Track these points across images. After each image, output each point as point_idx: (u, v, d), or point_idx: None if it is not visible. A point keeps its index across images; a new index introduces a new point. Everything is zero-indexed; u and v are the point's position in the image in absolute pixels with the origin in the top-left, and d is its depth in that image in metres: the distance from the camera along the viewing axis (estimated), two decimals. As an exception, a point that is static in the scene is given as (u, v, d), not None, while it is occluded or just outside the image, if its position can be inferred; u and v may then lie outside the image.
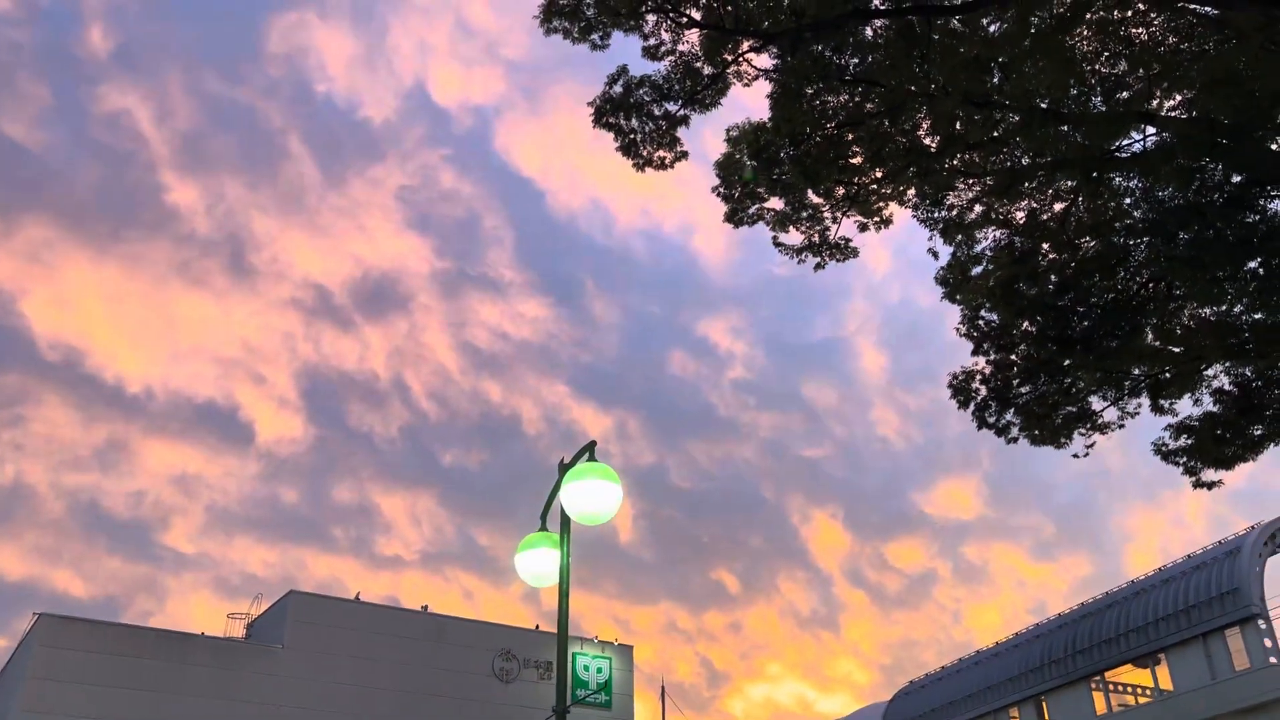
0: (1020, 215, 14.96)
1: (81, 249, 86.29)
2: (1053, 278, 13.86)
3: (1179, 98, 12.25)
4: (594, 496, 9.66)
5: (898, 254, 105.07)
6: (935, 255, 15.56)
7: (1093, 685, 37.83)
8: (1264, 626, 31.91)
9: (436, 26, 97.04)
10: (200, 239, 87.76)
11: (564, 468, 10.46)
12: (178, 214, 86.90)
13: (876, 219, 16.84)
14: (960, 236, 16.73)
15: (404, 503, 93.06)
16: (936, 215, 14.84)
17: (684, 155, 13.64)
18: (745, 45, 12.58)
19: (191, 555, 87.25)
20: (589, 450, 10.04)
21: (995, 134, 13.53)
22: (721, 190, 14.50)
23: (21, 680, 33.82)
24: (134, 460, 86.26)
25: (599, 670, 45.01)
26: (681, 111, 13.05)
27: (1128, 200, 13.53)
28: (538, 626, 45.18)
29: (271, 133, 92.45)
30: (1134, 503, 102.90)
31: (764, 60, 13.75)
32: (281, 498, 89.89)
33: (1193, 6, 12.11)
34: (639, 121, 13.04)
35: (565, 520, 10.39)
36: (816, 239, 16.55)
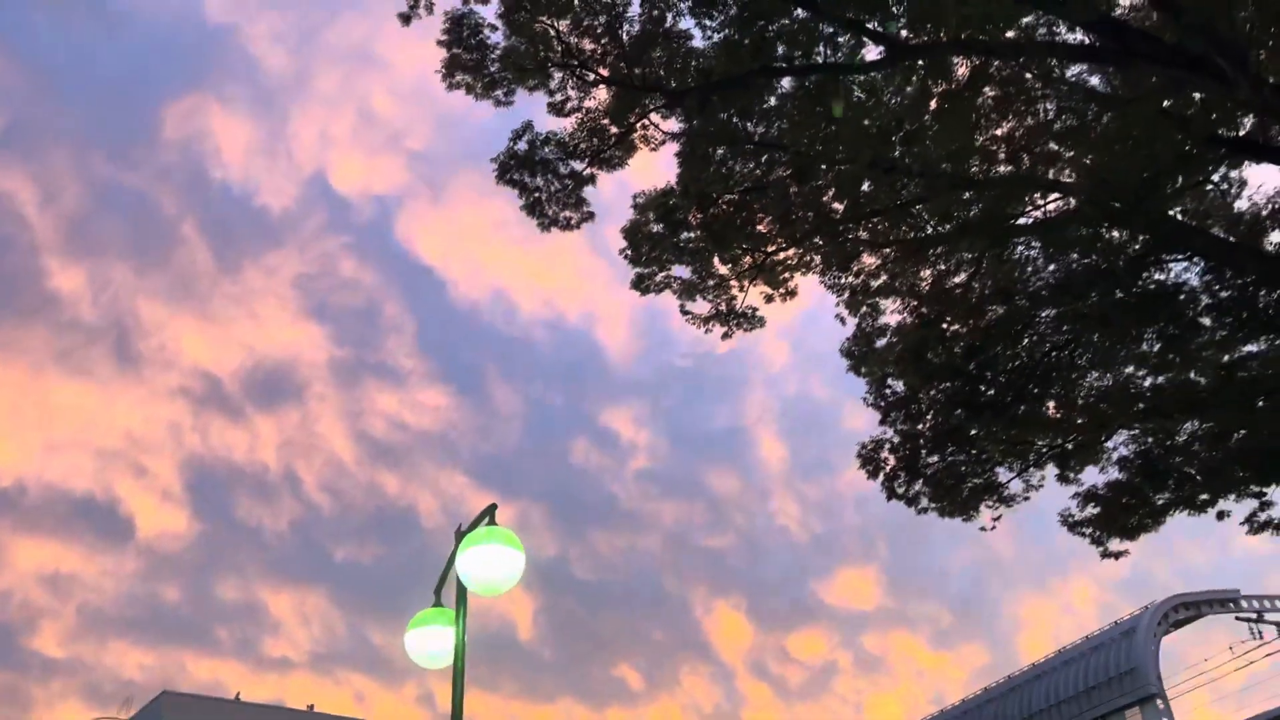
0: (925, 283, 15.00)
1: None
2: (959, 345, 13.84)
3: (1083, 162, 12.46)
4: (494, 564, 8.90)
5: (796, 347, 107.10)
6: (843, 321, 15.47)
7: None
8: (1162, 706, 32.18)
9: (339, 115, 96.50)
10: (84, 326, 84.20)
11: (461, 535, 9.71)
12: (59, 300, 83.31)
13: (782, 290, 16.74)
14: (865, 308, 16.74)
15: (293, 600, 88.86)
16: (843, 281, 14.75)
17: (590, 216, 13.30)
18: (652, 104, 12.39)
19: (61, 660, 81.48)
20: (489, 514, 9.32)
21: (899, 201, 13.58)
22: (628, 254, 14.18)
23: None
24: (1, 559, 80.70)
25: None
26: (588, 170, 12.75)
27: (1029, 268, 13.67)
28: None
29: (164, 218, 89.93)
30: (1025, 590, 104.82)
31: (671, 124, 13.63)
32: (161, 596, 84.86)
33: (1089, 80, 12.43)
34: (544, 180, 12.68)
35: (461, 593, 9.58)
36: (724, 308, 16.33)
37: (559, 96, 12.22)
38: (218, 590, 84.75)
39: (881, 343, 16.69)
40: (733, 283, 16.18)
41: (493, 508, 9.33)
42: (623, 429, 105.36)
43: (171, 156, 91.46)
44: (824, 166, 13.54)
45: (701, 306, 16.52)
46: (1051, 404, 15.50)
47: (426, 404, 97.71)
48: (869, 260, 15.58)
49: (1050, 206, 12.81)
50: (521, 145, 12.45)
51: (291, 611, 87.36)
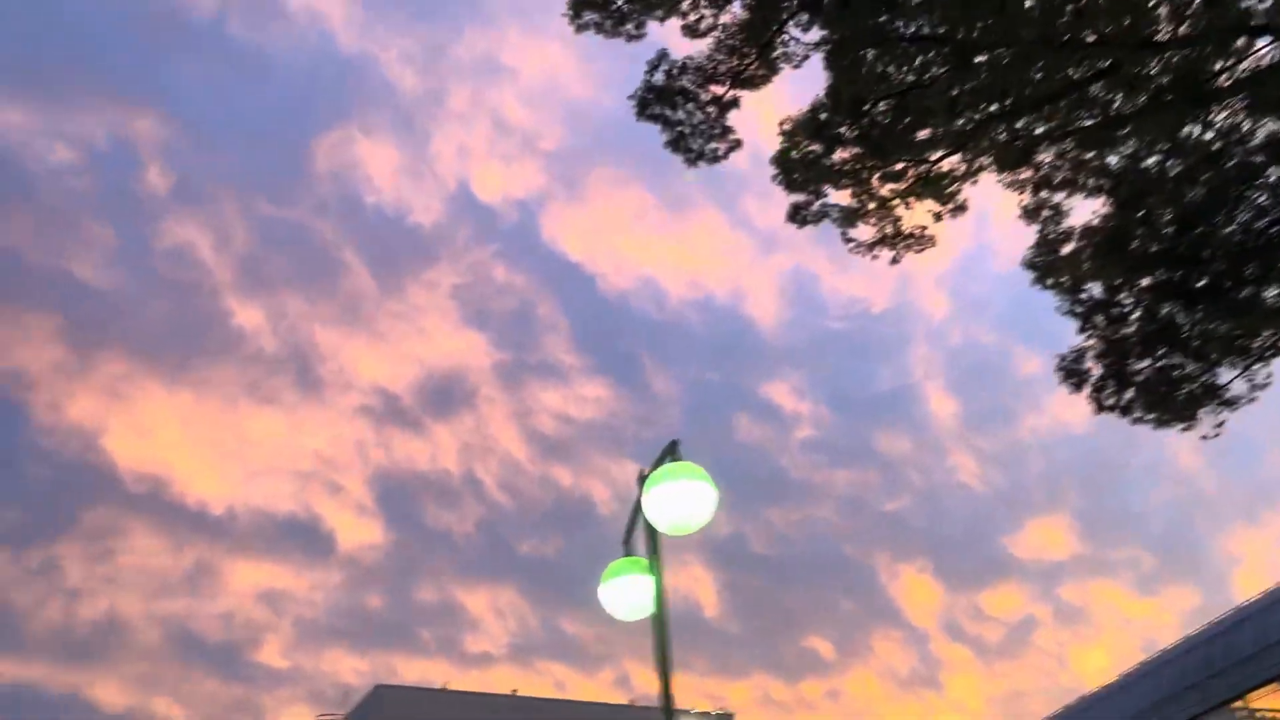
0: (1111, 173, 13.61)
1: (155, 379, 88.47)
2: (1164, 228, 12.44)
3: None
4: (683, 500, 8.36)
5: (955, 295, 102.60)
6: (1029, 216, 14.14)
7: (1236, 711, 34.78)
8: None
9: (474, 129, 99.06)
10: (267, 357, 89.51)
11: (644, 479, 9.24)
12: (243, 336, 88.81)
13: (950, 205, 15.62)
14: (1046, 211, 15.43)
15: (487, 597, 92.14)
16: (1021, 178, 13.53)
17: (737, 144, 12.60)
18: (789, 12, 11.57)
19: (284, 670, 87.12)
20: (671, 450, 8.79)
21: (1075, 80, 12.29)
22: (782, 180, 13.39)
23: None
24: (221, 582, 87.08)
25: (700, 746, 42.90)
26: (730, 94, 12.05)
27: (1234, 136, 12.14)
28: (632, 703, 43.34)
29: (326, 248, 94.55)
30: (1234, 525, 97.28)
31: (813, 35, 12.76)
32: (367, 605, 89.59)
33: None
34: (685, 111, 12.05)
35: (653, 536, 9.12)
36: (889, 230, 15.35)
37: (692, 17, 11.56)
38: (416, 594, 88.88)
39: (1069, 248, 15.36)
40: (896, 202, 15.19)
41: (675, 444, 8.80)
42: (784, 400, 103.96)
43: (326, 188, 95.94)
44: (987, 56, 12.40)
45: (865, 232, 15.61)
46: (1274, 289, 13.84)
47: (588, 396, 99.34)
48: (1046, 157, 14.30)
49: (1263, 57, 11.27)
50: (658, 76, 11.86)
51: (486, 608, 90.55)
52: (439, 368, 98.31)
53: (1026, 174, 13.45)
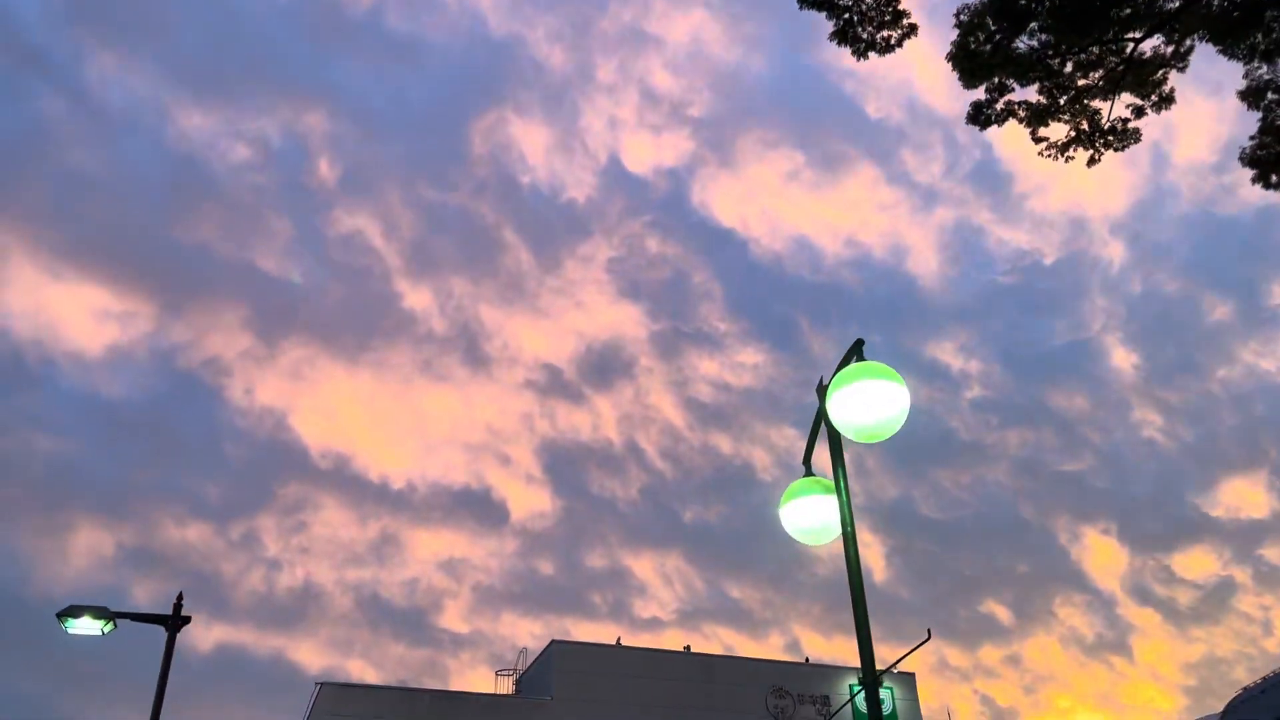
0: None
1: (335, 362, 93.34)
2: None
3: None
4: (870, 403, 7.45)
5: (1133, 242, 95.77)
6: (1251, 99, 12.41)
7: None
8: None
9: (622, 100, 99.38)
10: (437, 337, 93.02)
11: (824, 388, 8.37)
12: (414, 317, 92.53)
13: (1154, 95, 13.90)
14: (1272, 95, 13.53)
15: (653, 563, 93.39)
16: (1243, 47, 11.79)
17: (912, 30, 11.40)
18: None
19: (466, 634, 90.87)
20: (856, 351, 7.88)
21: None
22: (961, 72, 12.10)
23: (308, 747, 34.56)
24: (405, 551, 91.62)
25: (881, 702, 41.59)
26: (904, -29, 10.87)
27: None
28: (807, 660, 42.49)
29: (486, 229, 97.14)
30: None
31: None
32: (539, 571, 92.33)
33: None
34: (853, -4, 10.95)
35: (836, 447, 8.25)
36: (1085, 126, 13.79)
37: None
38: (586, 560, 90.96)
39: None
40: (1093, 94, 13.61)
41: (859, 343, 7.89)
42: (950, 360, 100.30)
43: (483, 171, 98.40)
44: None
45: (1057, 130, 14.08)
46: None
47: (745, 363, 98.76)
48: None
49: None
50: (821, -43, 10.80)
51: (654, 574, 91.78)
52: (598, 340, 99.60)
53: (1250, 41, 11.69)
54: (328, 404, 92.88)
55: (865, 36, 11.18)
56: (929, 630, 8.11)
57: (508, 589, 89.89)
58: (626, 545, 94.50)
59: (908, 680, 42.53)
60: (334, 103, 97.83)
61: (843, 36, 11.14)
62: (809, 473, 9.11)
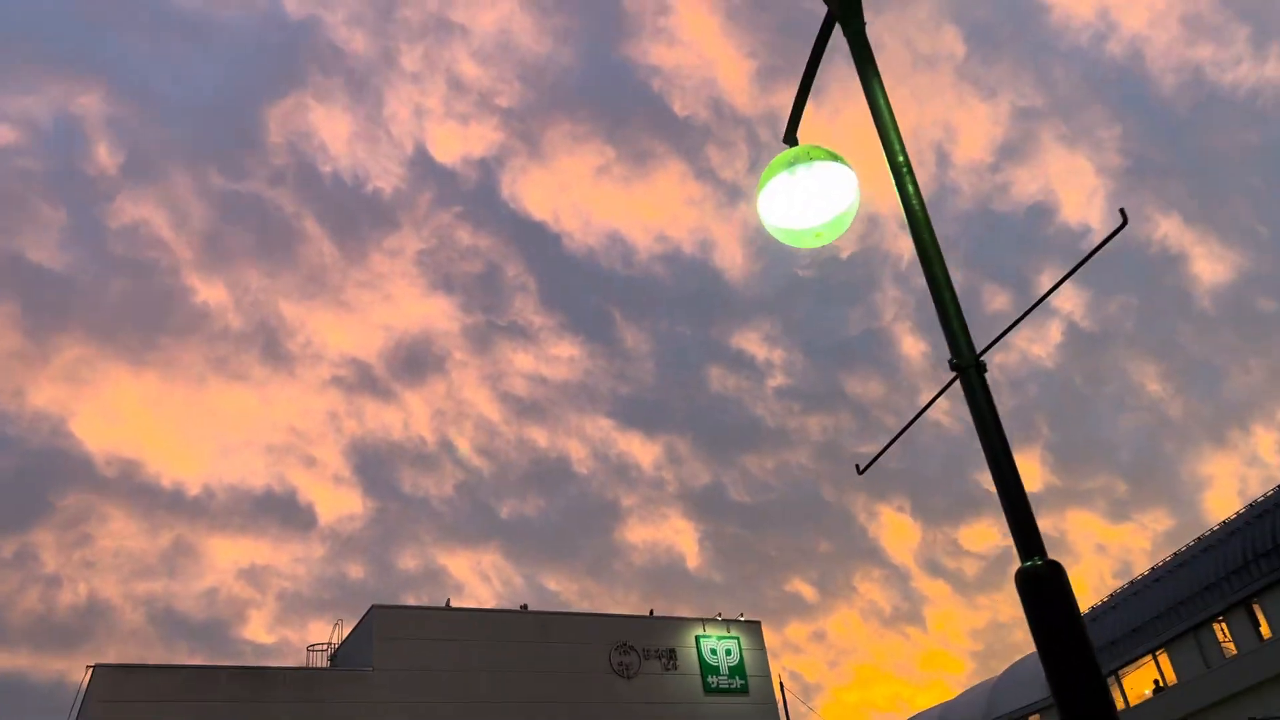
0: None
1: (119, 361, 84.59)
2: None
3: None
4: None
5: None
6: None
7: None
8: None
9: (429, 89, 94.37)
10: (233, 334, 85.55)
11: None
12: (207, 312, 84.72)
13: None
14: None
15: (470, 560, 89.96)
16: None
17: None
18: None
19: (271, 645, 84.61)
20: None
21: None
22: None
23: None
24: (202, 560, 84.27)
25: (728, 652, 39.59)
26: None
27: None
28: (652, 612, 39.99)
29: (285, 219, 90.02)
30: (1202, 448, 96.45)
31: None
32: (349, 575, 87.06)
33: None
34: None
35: (868, 64, 5.32)
36: None
37: None
38: (399, 562, 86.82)
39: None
40: None
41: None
42: (756, 350, 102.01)
43: (281, 159, 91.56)
44: None
45: None
46: None
47: (560, 356, 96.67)
48: None
49: None
50: None
51: (470, 571, 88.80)
52: (408, 334, 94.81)
53: None
54: (111, 407, 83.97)
55: None
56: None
57: (316, 595, 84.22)
58: (441, 543, 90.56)
59: (754, 629, 40.74)
60: (112, 83, 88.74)
61: None
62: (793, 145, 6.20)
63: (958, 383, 4.34)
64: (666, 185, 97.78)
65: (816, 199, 5.87)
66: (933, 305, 4.45)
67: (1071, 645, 3.69)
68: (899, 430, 5.01)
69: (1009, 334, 4.53)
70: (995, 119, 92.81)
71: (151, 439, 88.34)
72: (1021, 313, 4.36)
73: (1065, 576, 3.81)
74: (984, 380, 4.24)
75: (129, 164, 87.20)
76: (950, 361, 4.34)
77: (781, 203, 5.95)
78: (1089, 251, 3.79)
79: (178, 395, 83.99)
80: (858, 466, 5.25)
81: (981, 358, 4.32)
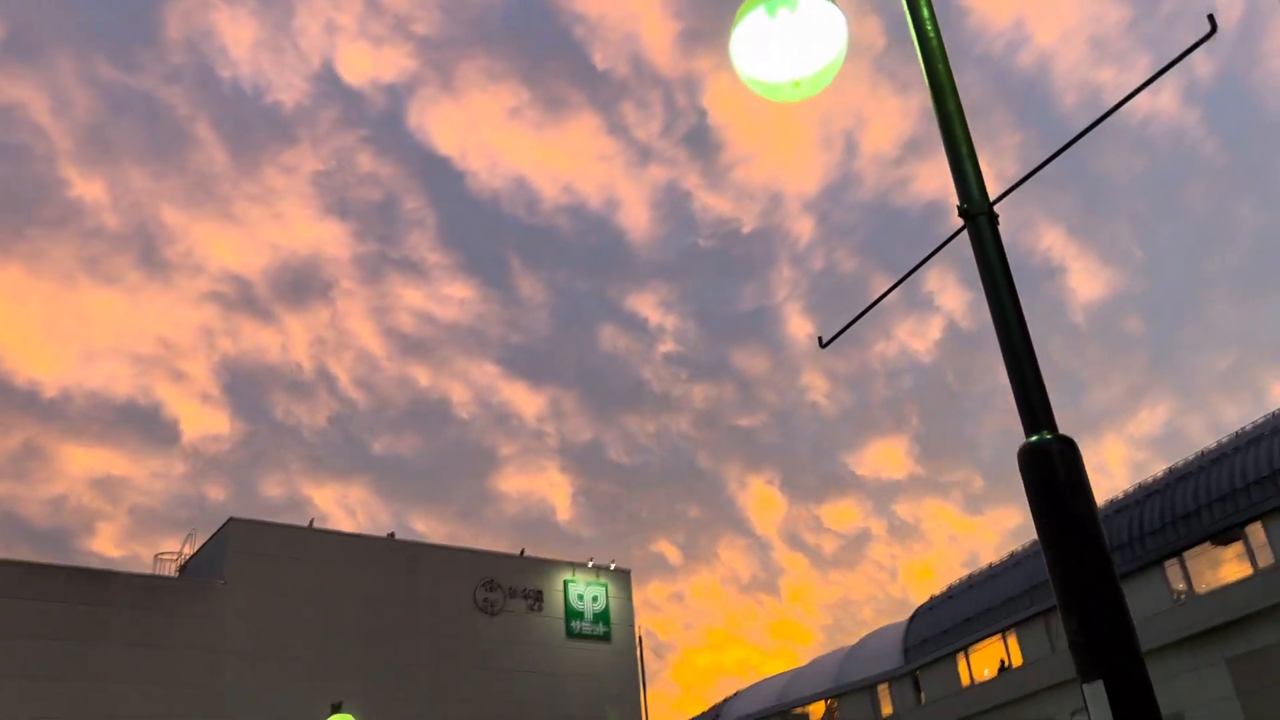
0: None
1: None
2: None
3: None
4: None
5: (822, 221, 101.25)
6: None
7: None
8: None
9: (344, 5, 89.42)
10: (109, 234, 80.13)
11: None
12: (83, 208, 78.87)
13: None
14: None
15: (336, 494, 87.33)
16: None
17: None
18: None
19: (118, 559, 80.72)
20: None
21: None
22: None
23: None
24: (53, 465, 79.41)
25: (594, 598, 39.34)
26: None
27: None
28: (523, 552, 39.34)
29: (177, 121, 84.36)
30: None
31: None
32: (209, 496, 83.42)
33: None
34: None
35: None
36: None
37: None
38: (263, 488, 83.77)
39: None
40: None
41: None
42: (649, 313, 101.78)
43: (178, 57, 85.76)
44: None
45: None
46: None
47: (453, 296, 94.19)
48: None
49: None
50: None
51: (336, 504, 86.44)
52: (296, 256, 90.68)
53: None
54: (-34, 297, 78.24)
55: None
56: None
57: (171, 513, 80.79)
58: (309, 474, 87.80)
59: (623, 578, 40.58)
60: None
61: None
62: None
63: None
64: (579, 136, 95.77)
65: (799, 46, 5.15)
66: (942, 148, 3.79)
67: (1083, 533, 3.11)
68: (879, 295, 4.37)
69: (1024, 182, 3.91)
70: (905, 113, 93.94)
71: (9, 333, 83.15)
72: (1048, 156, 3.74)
73: (1079, 455, 3.22)
74: (996, 231, 3.62)
75: (11, 39, 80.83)
76: (959, 208, 3.70)
77: (756, 48, 5.21)
78: (1174, 58, 3.20)
79: (43, 291, 78.86)
80: (820, 339, 4.61)
81: (993, 207, 3.69)
